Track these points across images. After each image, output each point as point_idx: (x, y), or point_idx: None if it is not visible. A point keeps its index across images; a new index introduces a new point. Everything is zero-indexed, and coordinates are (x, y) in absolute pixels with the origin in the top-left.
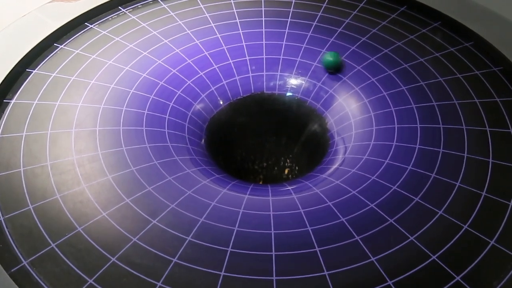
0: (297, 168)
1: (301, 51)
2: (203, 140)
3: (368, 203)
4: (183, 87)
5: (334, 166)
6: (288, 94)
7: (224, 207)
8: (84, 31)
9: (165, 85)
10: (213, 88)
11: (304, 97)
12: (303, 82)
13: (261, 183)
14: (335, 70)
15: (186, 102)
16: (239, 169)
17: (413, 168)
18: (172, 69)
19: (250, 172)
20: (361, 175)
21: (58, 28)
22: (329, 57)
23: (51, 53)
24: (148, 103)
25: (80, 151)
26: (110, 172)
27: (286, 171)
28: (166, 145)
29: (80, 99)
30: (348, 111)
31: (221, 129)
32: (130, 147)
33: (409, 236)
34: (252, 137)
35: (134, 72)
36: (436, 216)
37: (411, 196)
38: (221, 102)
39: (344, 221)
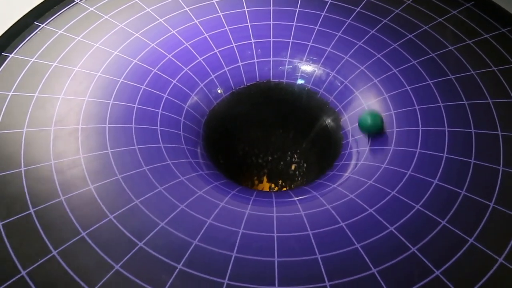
0: (305, 165)
1: (314, 34)
2: (200, 138)
3: (387, 225)
4: (179, 76)
5: (347, 174)
6: (298, 83)
7: (222, 226)
8: (69, 7)
9: (159, 73)
10: (213, 76)
11: (316, 87)
12: (315, 70)
13: (264, 186)
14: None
15: (182, 93)
16: (241, 164)
17: (439, 183)
18: (167, 54)
19: (253, 166)
20: (378, 188)
21: (40, 4)
22: (368, 120)
23: (31, 33)
24: (139, 95)
25: (59, 155)
26: (93, 181)
27: (293, 167)
28: (158, 146)
29: (62, 90)
30: (365, 107)
31: (222, 123)
32: (117, 149)
33: (435, 270)
34: (256, 130)
35: (123, 58)
36: (467, 245)
37: (437, 219)
38: (222, 92)
39: (359, 248)
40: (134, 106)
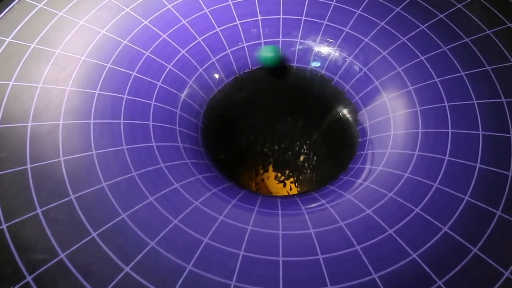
0: (315, 158)
1: (330, 11)
2: (199, 132)
3: (410, 251)
4: (175, 59)
5: (364, 182)
6: (310, 67)
7: (220, 248)
8: None
9: (152, 56)
10: (214, 59)
11: (330, 74)
12: (330, 53)
13: (269, 175)
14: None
15: (178, 80)
16: (244, 154)
17: (471, 200)
18: (162, 34)
19: (258, 155)
20: (400, 204)
21: None
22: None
23: (7, 7)
24: (129, 84)
25: (36, 157)
26: (74, 190)
27: (302, 158)
28: (150, 145)
29: (41, 77)
30: (386, 101)
31: (223, 112)
32: (102, 150)
33: None
34: (262, 118)
35: (112, 38)
36: (503, 279)
37: (468, 245)
38: (224, 78)
39: (376, 279)
40: (123, 97)
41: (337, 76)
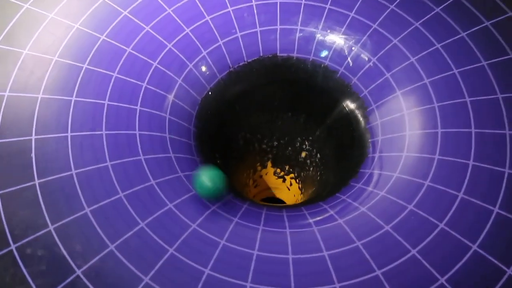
0: (318, 155)
1: None
2: (192, 138)
3: (437, 276)
4: (162, 55)
5: (380, 191)
6: (312, 58)
7: (222, 279)
8: None
9: (135, 53)
10: (204, 53)
11: (334, 65)
12: (334, 41)
13: (268, 170)
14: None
15: (166, 79)
16: (242, 153)
17: (501, 212)
18: (145, 26)
19: (256, 152)
20: (422, 218)
21: None
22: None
23: None
24: (110, 87)
25: (4, 183)
26: (53, 219)
27: (304, 154)
28: (137, 160)
29: (7, 84)
30: (399, 95)
31: (218, 111)
32: (83, 169)
33: None
34: (260, 115)
35: (87, 33)
36: None
37: (502, 267)
38: (217, 73)
39: None
40: (104, 104)
41: (342, 67)
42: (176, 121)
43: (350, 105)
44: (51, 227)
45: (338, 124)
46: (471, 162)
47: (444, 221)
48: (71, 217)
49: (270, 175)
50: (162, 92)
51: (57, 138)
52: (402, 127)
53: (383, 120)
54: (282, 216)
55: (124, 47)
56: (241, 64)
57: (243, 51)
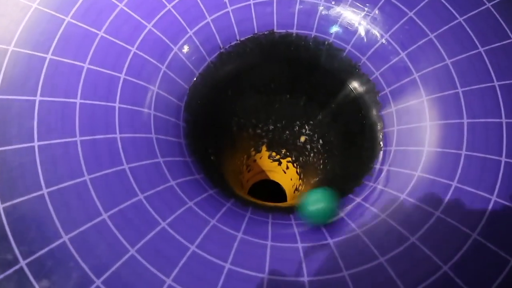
0: (320, 141)
1: None
2: (182, 135)
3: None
4: (140, 38)
5: (400, 194)
6: (314, 34)
7: None
8: None
9: (108, 37)
10: (190, 32)
11: (341, 42)
12: (340, 14)
13: (262, 154)
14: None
15: (147, 67)
16: (234, 141)
17: None
18: (118, 3)
19: (250, 138)
20: (451, 226)
21: None
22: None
23: None
24: (82, 81)
25: None
26: (24, 254)
27: (303, 139)
28: (120, 169)
29: None
30: (416, 78)
31: (208, 99)
32: (56, 187)
33: None
34: (254, 97)
35: (49, 15)
36: None
37: None
38: (206, 55)
39: None
40: (76, 103)
41: (350, 45)
42: (162, 117)
43: (358, 88)
44: (22, 263)
45: (345, 110)
46: (503, 159)
47: (477, 231)
48: (44, 250)
49: (264, 159)
50: (143, 83)
51: (22, 150)
52: (421, 116)
53: (399, 107)
54: (291, 225)
55: (95, 31)
56: (233, 43)
57: (235, 28)
